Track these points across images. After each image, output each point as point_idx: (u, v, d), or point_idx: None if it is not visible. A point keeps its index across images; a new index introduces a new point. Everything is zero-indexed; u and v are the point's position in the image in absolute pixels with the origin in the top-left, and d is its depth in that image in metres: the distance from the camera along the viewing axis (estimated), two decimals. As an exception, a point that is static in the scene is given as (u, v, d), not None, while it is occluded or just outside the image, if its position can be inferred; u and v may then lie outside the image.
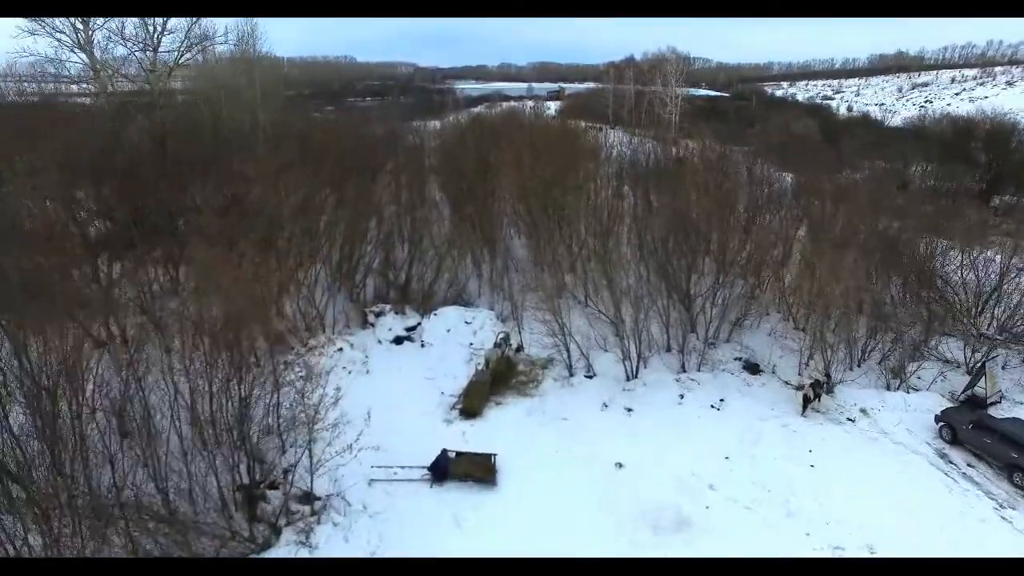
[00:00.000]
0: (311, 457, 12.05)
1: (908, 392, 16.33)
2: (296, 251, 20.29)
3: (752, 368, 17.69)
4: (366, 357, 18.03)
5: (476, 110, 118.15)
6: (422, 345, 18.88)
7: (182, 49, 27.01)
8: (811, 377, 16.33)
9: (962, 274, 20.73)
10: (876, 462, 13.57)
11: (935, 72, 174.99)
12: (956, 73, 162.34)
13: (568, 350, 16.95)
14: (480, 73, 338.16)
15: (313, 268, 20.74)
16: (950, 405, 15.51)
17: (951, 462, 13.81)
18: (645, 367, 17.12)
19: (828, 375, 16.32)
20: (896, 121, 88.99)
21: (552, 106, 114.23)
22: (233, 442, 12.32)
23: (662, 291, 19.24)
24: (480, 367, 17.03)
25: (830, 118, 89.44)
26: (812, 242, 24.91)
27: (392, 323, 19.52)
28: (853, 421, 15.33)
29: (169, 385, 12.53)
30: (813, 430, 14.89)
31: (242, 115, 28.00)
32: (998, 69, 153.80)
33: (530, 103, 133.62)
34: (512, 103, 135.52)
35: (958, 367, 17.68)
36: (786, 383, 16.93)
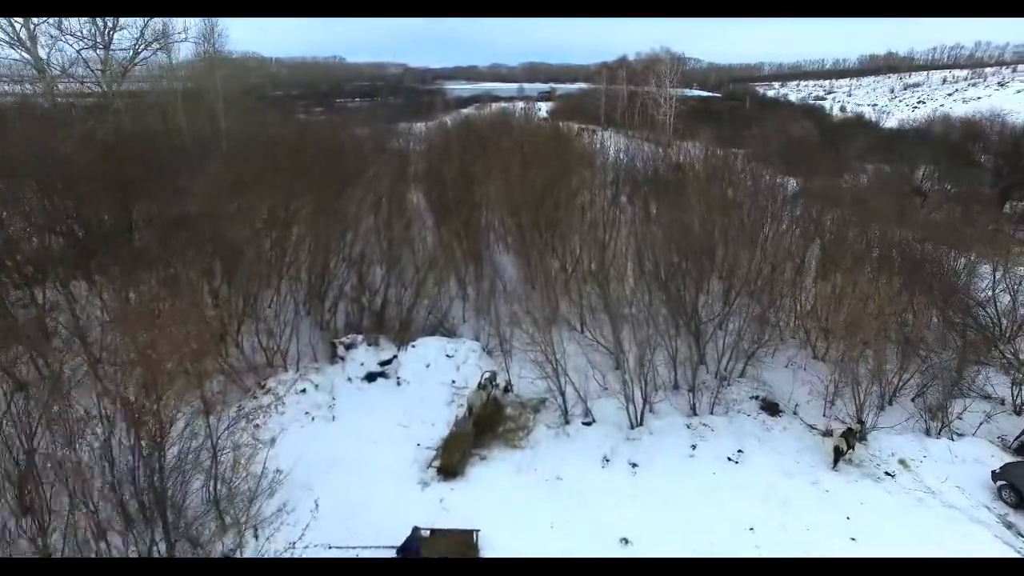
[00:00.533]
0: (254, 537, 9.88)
1: (952, 439, 14.30)
2: (257, 274, 18.01)
3: (771, 409, 15.61)
4: (333, 399, 15.76)
5: (466, 111, 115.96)
6: (398, 383, 16.63)
7: (137, 47, 24.52)
8: (841, 423, 14.29)
9: (994, 293, 18.86)
10: (928, 534, 11.47)
11: (926, 73, 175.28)
12: (947, 74, 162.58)
13: (563, 393, 14.78)
14: (471, 74, 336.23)
15: (277, 293, 18.48)
16: (1008, 458, 13.40)
17: (1021, 533, 11.77)
18: (651, 410, 15.00)
19: (861, 421, 14.26)
20: (891, 122, 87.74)
21: (543, 107, 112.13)
22: (150, 521, 10.09)
23: (667, 318, 17.17)
24: (462, 414, 14.84)
25: (826, 120, 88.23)
26: (825, 257, 23.07)
27: (364, 356, 17.25)
28: (892, 476, 13.26)
29: (83, 448, 10.33)
30: (848, 489, 12.82)
31: (203, 120, 25.57)
32: (988, 70, 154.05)
33: (521, 104, 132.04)
34: (503, 104, 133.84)
35: (1002, 404, 15.71)
36: (811, 427, 14.86)
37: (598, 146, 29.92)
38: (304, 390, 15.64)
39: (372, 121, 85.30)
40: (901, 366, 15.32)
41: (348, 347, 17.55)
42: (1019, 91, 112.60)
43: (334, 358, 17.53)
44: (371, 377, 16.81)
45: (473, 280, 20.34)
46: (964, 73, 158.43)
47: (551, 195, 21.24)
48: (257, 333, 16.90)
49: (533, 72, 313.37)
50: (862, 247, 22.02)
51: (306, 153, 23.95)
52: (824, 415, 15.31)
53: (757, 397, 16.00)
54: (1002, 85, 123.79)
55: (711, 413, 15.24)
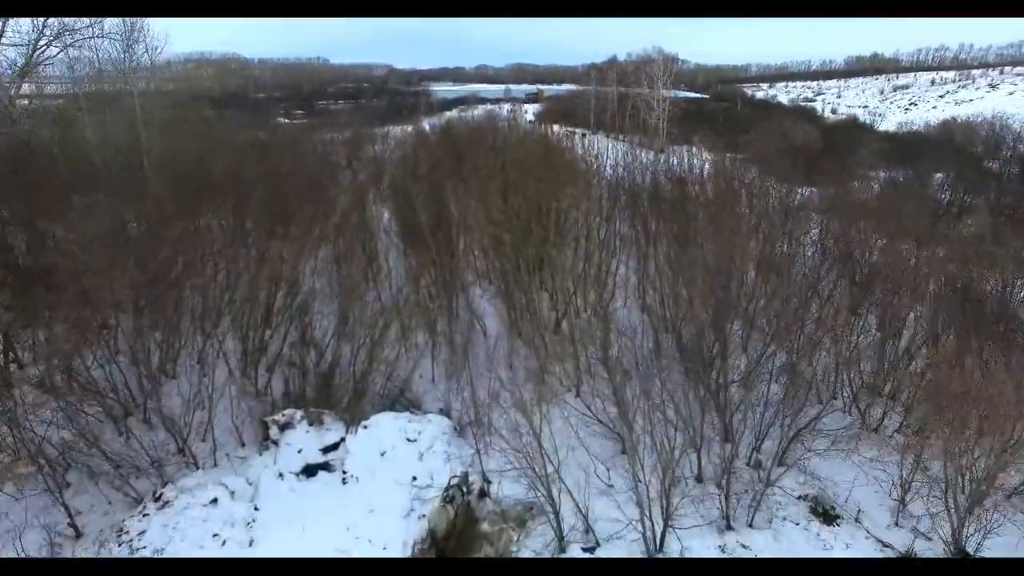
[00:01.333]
0: None
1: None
2: (161, 335, 14.23)
3: (826, 515, 12.11)
4: (255, 510, 11.96)
5: (450, 113, 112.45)
6: (343, 479, 12.88)
7: (36, 44, 20.40)
8: (925, 538, 10.84)
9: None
10: None
11: (913, 74, 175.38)
12: (935, 75, 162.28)
13: (557, 513, 11.12)
14: (457, 75, 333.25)
15: (188, 357, 14.71)
16: None
17: None
18: (670, 526, 11.39)
19: (963, 551, 10.68)
20: (886, 125, 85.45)
21: (530, 109, 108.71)
22: None
23: (683, 384, 13.68)
24: (421, 534, 11.18)
25: (820, 122, 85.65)
26: (859, 289, 19.76)
27: (304, 440, 13.48)
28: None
29: None
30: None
31: (118, 134, 21.54)
32: (976, 72, 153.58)
33: (507, 105, 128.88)
34: (489, 105, 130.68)
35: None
36: (884, 546, 11.35)
37: (592, 156, 26.17)
38: (215, 500, 11.84)
39: (352, 125, 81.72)
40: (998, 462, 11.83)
41: (283, 427, 13.79)
42: (1011, 93, 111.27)
43: (265, 441, 13.77)
44: (310, 471, 13.04)
45: (446, 328, 16.64)
46: (952, 75, 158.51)
47: (539, 222, 17.64)
48: (160, 411, 13.09)
49: (520, 73, 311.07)
50: (909, 276, 18.67)
51: (248, 174, 20.15)
52: (896, 523, 11.82)
53: (805, 497, 12.46)
54: (993, 87, 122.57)
55: (750, 525, 11.67)
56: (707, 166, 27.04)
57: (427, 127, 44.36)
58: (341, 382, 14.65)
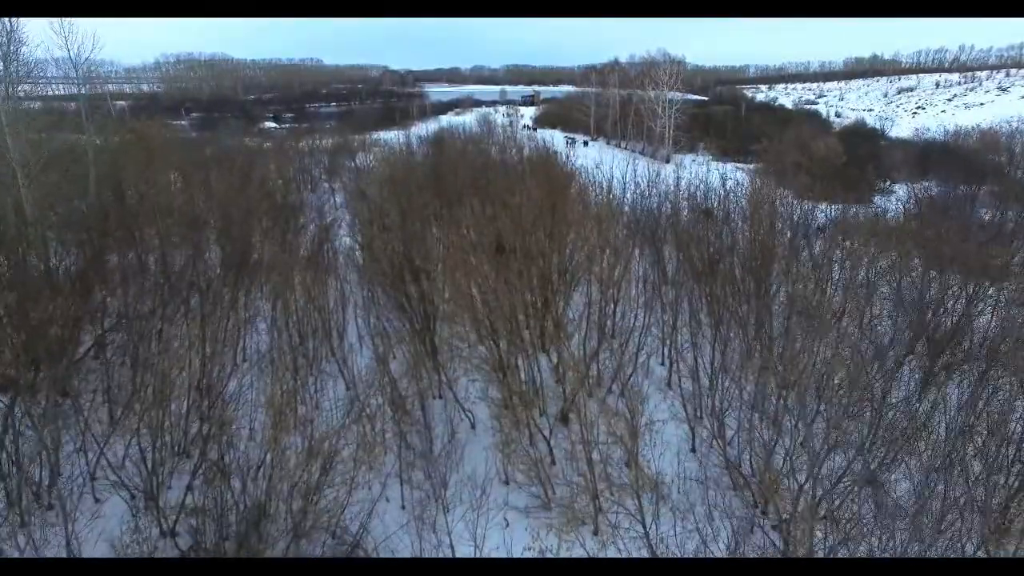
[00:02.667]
0: None
1: None
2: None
3: None
4: None
5: (445, 117, 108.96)
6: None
7: None
8: None
9: None
10: None
11: (916, 76, 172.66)
12: (939, 78, 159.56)
13: None
14: (453, 76, 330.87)
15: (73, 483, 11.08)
16: None
17: None
18: None
19: None
20: (898, 131, 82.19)
21: (527, 113, 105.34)
22: None
23: (736, 513, 10.27)
24: None
25: (837, 130, 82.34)
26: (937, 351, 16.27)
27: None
28: None
29: None
30: None
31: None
32: (982, 74, 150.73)
33: (503, 108, 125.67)
34: (484, 108, 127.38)
35: None
36: None
37: (604, 184, 22.14)
38: None
39: (340, 131, 78.25)
40: None
41: None
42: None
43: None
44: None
45: (422, 433, 12.62)
46: (956, 77, 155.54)
47: (543, 295, 14.05)
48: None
49: (516, 75, 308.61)
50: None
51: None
52: None
53: None
54: (1004, 90, 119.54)
55: None
56: (728, 183, 23.39)
57: (415, 144, 40.66)
58: (272, 532, 10.55)
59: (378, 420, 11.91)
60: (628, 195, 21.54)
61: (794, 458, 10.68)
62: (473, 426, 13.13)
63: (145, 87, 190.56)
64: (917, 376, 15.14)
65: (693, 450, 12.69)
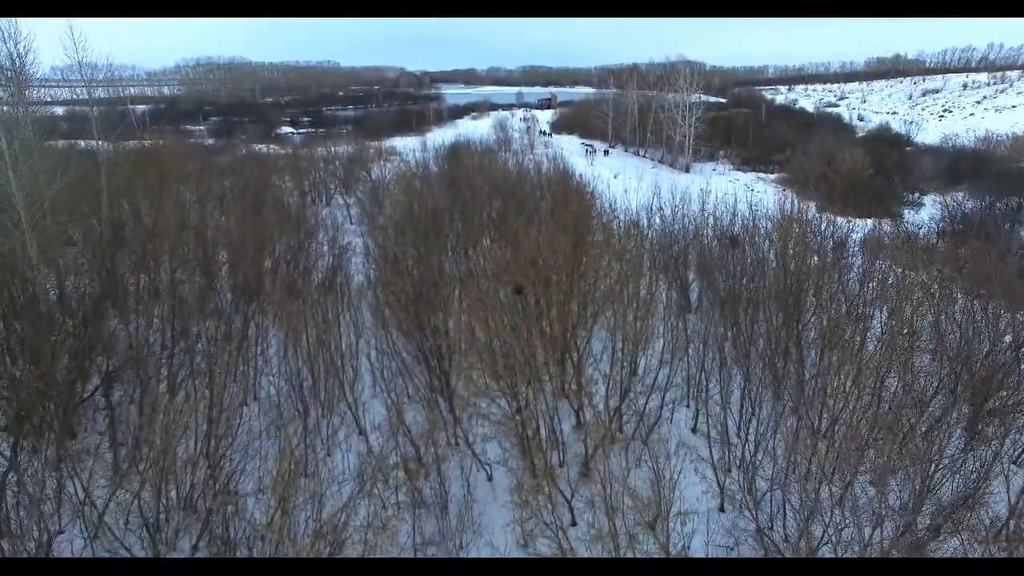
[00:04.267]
0: None
1: None
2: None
3: None
4: None
5: (462, 121, 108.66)
6: None
7: None
8: None
9: None
10: None
11: (942, 77, 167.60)
12: (966, 78, 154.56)
13: None
14: (469, 77, 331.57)
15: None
16: None
17: None
18: None
19: None
20: (927, 137, 79.97)
21: (542, 118, 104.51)
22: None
23: None
24: None
25: (861, 136, 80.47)
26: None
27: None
28: None
29: None
30: None
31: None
32: (1012, 74, 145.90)
33: (520, 112, 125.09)
34: (501, 112, 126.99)
35: None
36: None
37: (626, 220, 21.07)
38: None
39: (356, 136, 78.25)
40: None
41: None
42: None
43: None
44: None
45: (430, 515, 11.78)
46: (984, 77, 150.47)
47: (563, 340, 13.33)
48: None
49: (532, 76, 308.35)
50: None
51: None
52: None
53: None
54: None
55: None
56: (753, 205, 22.40)
57: (432, 160, 40.18)
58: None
59: (391, 483, 11.34)
60: (653, 221, 20.79)
61: (831, 531, 9.92)
62: (490, 478, 12.54)
63: (166, 90, 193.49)
64: (962, 426, 14.24)
65: (722, 509, 11.97)
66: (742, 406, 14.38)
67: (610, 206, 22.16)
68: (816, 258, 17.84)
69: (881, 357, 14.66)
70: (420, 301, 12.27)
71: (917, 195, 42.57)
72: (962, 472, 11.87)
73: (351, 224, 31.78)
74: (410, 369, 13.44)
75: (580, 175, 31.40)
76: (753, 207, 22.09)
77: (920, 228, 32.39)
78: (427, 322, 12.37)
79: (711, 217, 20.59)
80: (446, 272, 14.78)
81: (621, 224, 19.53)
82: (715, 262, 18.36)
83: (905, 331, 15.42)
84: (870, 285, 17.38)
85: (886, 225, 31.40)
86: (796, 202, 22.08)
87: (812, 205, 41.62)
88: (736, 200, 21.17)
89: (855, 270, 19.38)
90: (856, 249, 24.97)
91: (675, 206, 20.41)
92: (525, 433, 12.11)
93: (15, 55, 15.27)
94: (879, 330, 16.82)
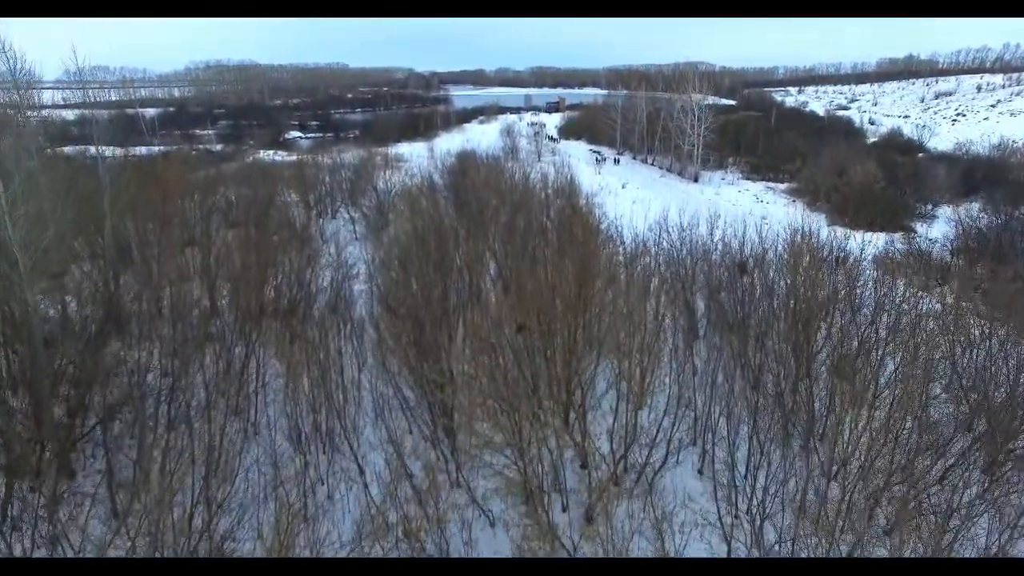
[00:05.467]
0: None
1: None
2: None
3: None
4: None
5: (469, 125, 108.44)
6: None
7: None
8: None
9: None
10: None
11: (955, 79, 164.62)
12: (980, 80, 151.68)
13: None
14: (478, 78, 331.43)
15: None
16: None
17: None
18: None
19: None
20: (940, 143, 78.79)
21: (550, 122, 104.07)
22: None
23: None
24: None
25: (872, 143, 79.46)
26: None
27: None
28: None
29: None
30: None
31: None
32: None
33: (528, 116, 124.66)
34: (509, 115, 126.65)
35: None
36: None
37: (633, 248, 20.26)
38: None
39: (364, 142, 78.23)
40: None
41: None
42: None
43: None
44: None
45: None
46: (999, 79, 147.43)
47: (566, 381, 13.07)
48: None
49: (541, 77, 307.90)
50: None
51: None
52: None
53: None
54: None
55: None
56: (763, 229, 22.00)
57: (438, 173, 39.96)
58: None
59: (391, 537, 11.11)
60: (661, 245, 20.44)
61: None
62: (492, 524, 12.29)
63: (176, 92, 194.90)
64: (979, 467, 13.84)
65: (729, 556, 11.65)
66: (750, 446, 14.04)
67: (616, 230, 21.82)
68: (826, 289, 17.45)
69: (894, 399, 14.29)
70: (422, 344, 12.05)
71: (930, 207, 41.79)
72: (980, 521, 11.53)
73: (356, 238, 31.67)
74: (413, 410, 13.23)
75: (587, 195, 30.96)
76: (762, 232, 21.65)
77: (934, 243, 31.82)
78: (430, 364, 12.17)
79: (719, 243, 20.19)
80: (450, 306, 14.54)
81: (627, 250, 19.22)
82: (723, 291, 18.00)
83: (918, 372, 14.99)
84: (883, 319, 16.92)
85: (899, 242, 30.78)
86: (807, 227, 21.69)
87: (822, 218, 41.41)
88: (746, 227, 20.73)
89: (867, 300, 18.91)
90: (868, 270, 24.48)
91: (682, 230, 20.06)
92: (528, 482, 11.85)
93: (18, 78, 15.18)
94: (891, 366, 16.41)
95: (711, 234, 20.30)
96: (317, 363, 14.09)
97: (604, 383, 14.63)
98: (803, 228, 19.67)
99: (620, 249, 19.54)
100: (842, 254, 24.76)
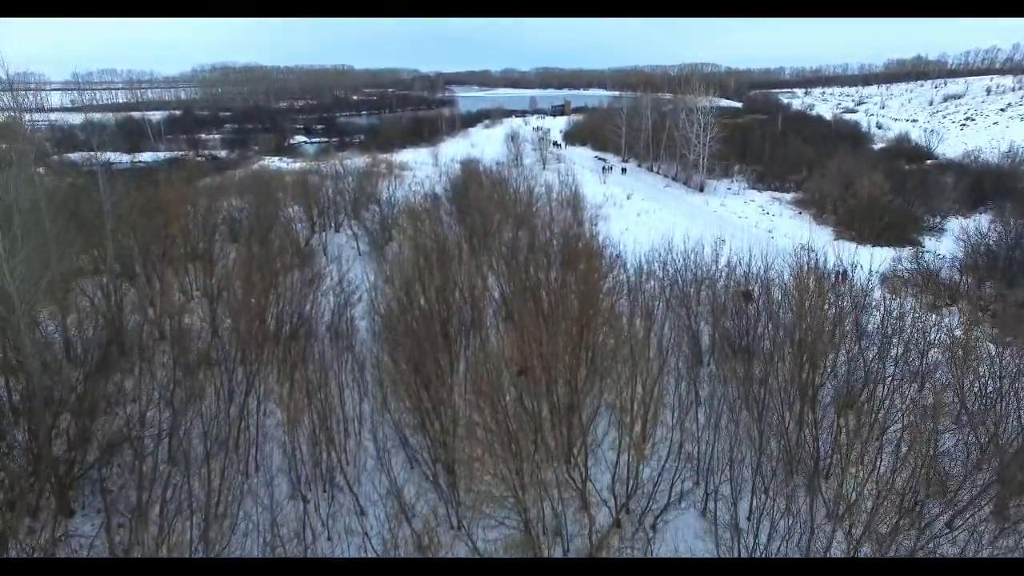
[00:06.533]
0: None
1: None
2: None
3: None
4: None
5: (474, 130, 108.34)
6: None
7: None
8: None
9: None
10: None
11: (964, 81, 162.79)
12: (990, 82, 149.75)
13: None
14: (483, 78, 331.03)
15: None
16: None
17: None
18: None
19: None
20: (948, 149, 78.04)
21: (555, 126, 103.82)
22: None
23: None
24: None
25: (866, 143, 78.86)
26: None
27: None
28: None
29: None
30: None
31: None
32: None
33: (533, 119, 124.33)
34: (514, 118, 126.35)
35: None
36: None
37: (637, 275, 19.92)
38: None
39: (368, 148, 78.29)
40: None
41: None
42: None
43: None
44: None
45: None
46: (1009, 81, 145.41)
47: (567, 424, 12.91)
48: None
49: (546, 78, 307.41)
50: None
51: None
52: None
53: None
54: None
55: None
56: (768, 255, 21.70)
57: (440, 187, 39.85)
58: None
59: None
60: (665, 270, 20.24)
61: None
62: None
63: (183, 94, 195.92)
64: (990, 507, 13.59)
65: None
66: (753, 487, 13.86)
67: (619, 256, 21.60)
68: (832, 319, 17.20)
69: (902, 435, 14.08)
70: (423, 374, 11.94)
71: (939, 219, 41.33)
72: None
73: (359, 254, 31.60)
74: (414, 450, 13.12)
75: (591, 209, 30.77)
76: (767, 257, 21.34)
77: (943, 260, 31.42)
78: (431, 396, 12.07)
79: (724, 269, 19.96)
80: (452, 333, 14.42)
81: (630, 278, 19.04)
82: (728, 319, 17.78)
83: (926, 405, 14.76)
84: (890, 352, 16.67)
85: (906, 260, 30.42)
86: (812, 254, 21.39)
87: (829, 231, 41.03)
88: (751, 255, 20.47)
89: (874, 329, 18.65)
90: (875, 290, 24.15)
91: (687, 256, 19.85)
92: (531, 539, 11.71)
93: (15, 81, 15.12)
94: (898, 401, 16.18)
95: (716, 260, 20.07)
96: (318, 405, 13.97)
97: (606, 420, 14.47)
98: (808, 257, 19.41)
99: (623, 278, 19.34)
100: (848, 277, 24.56)
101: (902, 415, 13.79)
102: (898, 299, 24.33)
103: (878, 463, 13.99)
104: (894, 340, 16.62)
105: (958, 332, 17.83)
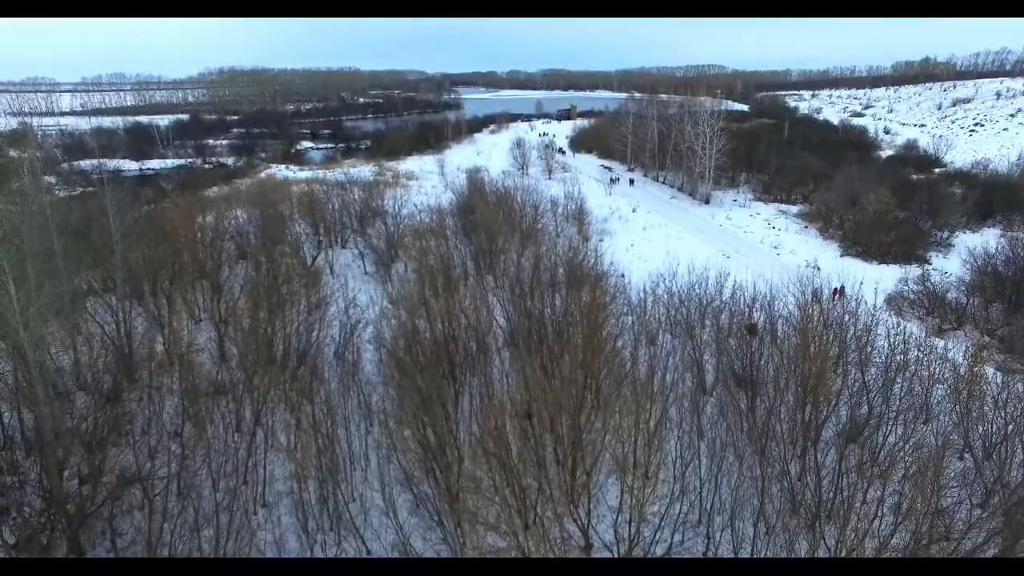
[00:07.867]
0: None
1: None
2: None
3: None
4: None
5: (480, 135, 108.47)
6: None
7: None
8: None
9: None
10: None
11: (973, 84, 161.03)
12: (1000, 85, 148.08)
13: None
14: (489, 80, 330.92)
15: None
16: None
17: None
18: None
19: None
20: (957, 156, 77.54)
21: (560, 132, 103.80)
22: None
23: None
24: None
25: (874, 149, 78.46)
26: None
27: None
28: None
29: None
30: None
31: None
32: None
33: (539, 124, 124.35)
34: (520, 122, 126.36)
35: None
36: None
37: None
38: None
39: (374, 156, 78.57)
40: None
41: None
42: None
43: None
44: None
45: None
46: (1020, 84, 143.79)
47: (571, 469, 12.98)
48: None
49: (552, 79, 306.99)
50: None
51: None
52: None
53: None
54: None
55: None
56: (773, 288, 21.64)
57: (446, 205, 39.91)
58: None
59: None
60: (670, 293, 20.27)
61: None
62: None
63: (191, 97, 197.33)
64: (995, 551, 13.57)
65: None
66: (755, 527, 13.90)
67: (623, 285, 21.65)
68: (835, 353, 17.25)
69: (906, 473, 14.11)
70: (429, 410, 12.11)
71: (946, 234, 41.10)
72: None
73: (365, 272, 31.72)
74: (418, 487, 13.26)
75: (595, 220, 30.70)
76: (771, 287, 21.30)
77: (949, 279, 31.26)
78: (437, 431, 12.22)
79: (728, 301, 19.99)
80: (456, 365, 14.55)
81: (635, 305, 19.11)
82: (732, 354, 17.80)
83: (931, 441, 14.79)
84: (894, 389, 16.67)
85: (912, 282, 30.29)
86: (816, 284, 21.37)
87: (835, 246, 40.88)
88: (755, 286, 20.48)
89: (879, 359, 18.63)
90: (880, 315, 24.02)
91: (691, 288, 19.90)
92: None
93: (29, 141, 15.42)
94: (902, 436, 16.18)
95: (720, 291, 20.10)
96: (324, 442, 14.14)
97: (609, 458, 14.55)
98: (812, 283, 19.43)
99: (627, 309, 19.38)
100: (845, 295, 24.53)
101: (904, 464, 13.76)
102: (903, 323, 24.31)
103: (879, 516, 13.87)
104: (897, 379, 16.62)
105: (962, 367, 17.74)
